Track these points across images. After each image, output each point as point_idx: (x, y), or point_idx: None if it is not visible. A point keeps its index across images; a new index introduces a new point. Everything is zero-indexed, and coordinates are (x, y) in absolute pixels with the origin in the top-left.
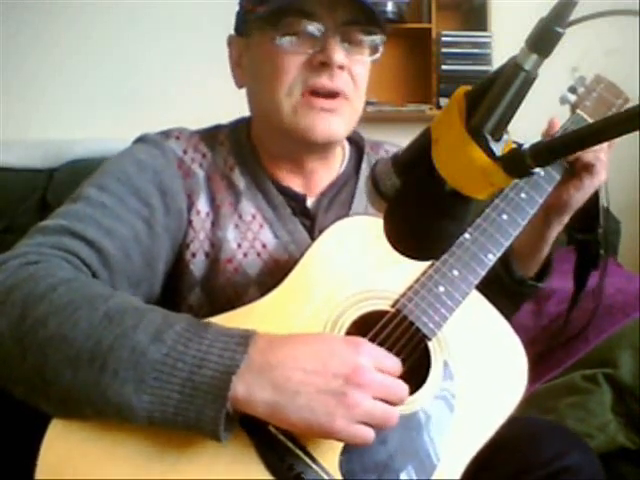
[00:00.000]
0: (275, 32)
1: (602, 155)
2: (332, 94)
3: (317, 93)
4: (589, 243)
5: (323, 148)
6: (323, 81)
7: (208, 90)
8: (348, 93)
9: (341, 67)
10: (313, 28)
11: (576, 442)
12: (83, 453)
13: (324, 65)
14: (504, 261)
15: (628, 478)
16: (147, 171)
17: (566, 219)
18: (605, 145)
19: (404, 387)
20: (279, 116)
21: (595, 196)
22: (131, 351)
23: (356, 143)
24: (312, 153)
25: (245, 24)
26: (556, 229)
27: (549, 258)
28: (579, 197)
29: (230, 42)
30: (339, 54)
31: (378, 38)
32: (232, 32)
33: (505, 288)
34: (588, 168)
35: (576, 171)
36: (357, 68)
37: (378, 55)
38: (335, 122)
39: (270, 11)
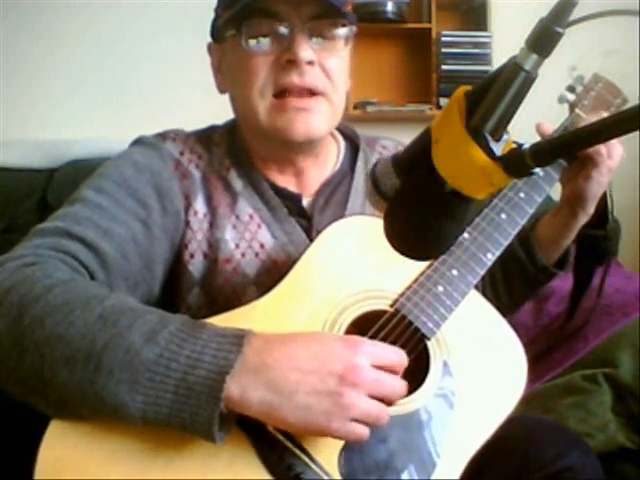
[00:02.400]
0: (242, 35)
1: (602, 148)
2: (304, 92)
3: (289, 92)
4: (598, 239)
5: (307, 147)
6: (292, 79)
7: (208, 90)
8: (322, 89)
9: (310, 63)
10: (279, 27)
11: (576, 442)
12: (82, 453)
13: (292, 63)
14: (527, 250)
15: (628, 478)
16: (144, 173)
17: (591, 209)
18: None
19: (401, 383)
20: (256, 119)
21: (603, 192)
22: (125, 351)
23: (351, 140)
24: (297, 152)
25: (218, 30)
26: (582, 219)
27: (568, 247)
28: (592, 188)
29: (209, 49)
30: (306, 50)
31: (348, 29)
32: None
33: (527, 275)
34: (590, 159)
35: (582, 162)
36: (330, 62)
37: (351, 46)
38: (312, 120)
39: (235, 14)
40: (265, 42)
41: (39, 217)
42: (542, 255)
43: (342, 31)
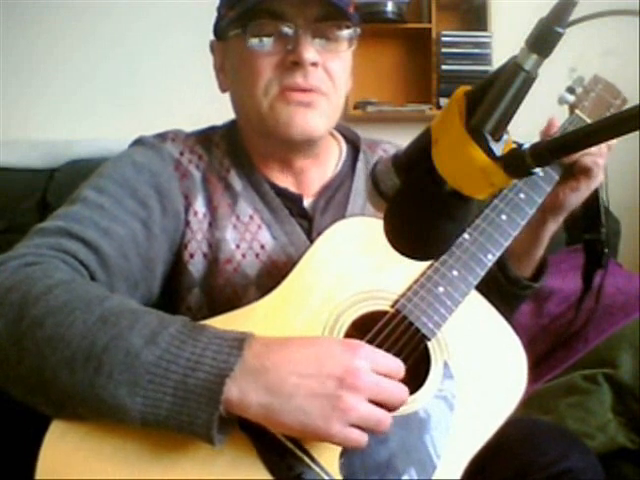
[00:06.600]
0: (247, 35)
1: (600, 160)
2: (307, 91)
3: (292, 89)
4: (594, 242)
5: (306, 145)
6: (297, 80)
7: (208, 90)
8: (324, 89)
9: (314, 64)
10: (283, 28)
11: (577, 444)
12: (83, 454)
13: (296, 64)
14: (499, 262)
15: (628, 478)
16: (144, 173)
17: (561, 219)
18: (604, 149)
19: (402, 388)
20: (258, 115)
21: (596, 195)
22: (125, 353)
23: (352, 142)
24: (296, 151)
25: (222, 29)
26: (551, 229)
27: (544, 258)
28: (575, 199)
29: (212, 47)
30: (310, 52)
31: (352, 31)
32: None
33: (501, 289)
34: (586, 172)
35: (574, 174)
36: (333, 64)
37: (354, 47)
38: (312, 117)
39: (240, 14)
40: (269, 42)
41: (39, 217)
42: (514, 266)
43: (346, 32)
